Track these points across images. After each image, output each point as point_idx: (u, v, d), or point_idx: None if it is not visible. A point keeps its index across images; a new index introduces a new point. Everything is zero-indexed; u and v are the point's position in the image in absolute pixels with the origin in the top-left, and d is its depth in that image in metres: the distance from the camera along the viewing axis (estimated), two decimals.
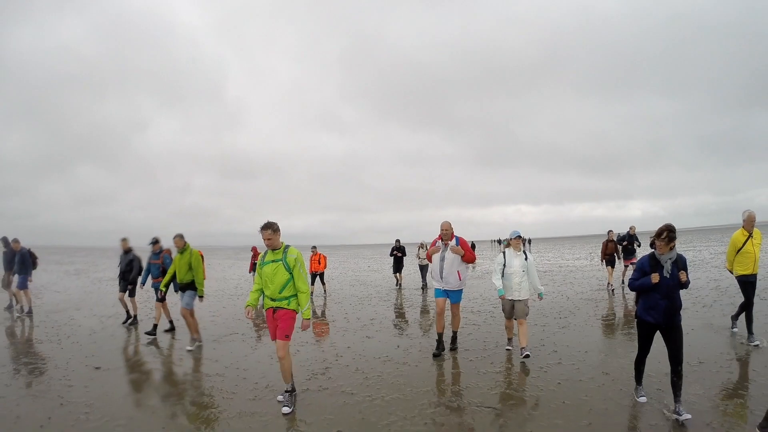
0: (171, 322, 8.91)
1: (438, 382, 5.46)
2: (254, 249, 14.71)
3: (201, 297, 7.71)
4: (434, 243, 6.84)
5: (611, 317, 8.95)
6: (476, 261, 31.17)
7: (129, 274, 9.50)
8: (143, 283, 9.13)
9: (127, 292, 9.55)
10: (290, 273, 4.81)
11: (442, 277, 6.62)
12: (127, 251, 9.66)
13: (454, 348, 6.87)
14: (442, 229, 6.65)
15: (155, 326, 8.46)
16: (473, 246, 45.81)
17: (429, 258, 6.94)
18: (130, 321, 9.53)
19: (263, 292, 4.97)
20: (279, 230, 4.87)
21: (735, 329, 7.03)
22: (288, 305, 4.82)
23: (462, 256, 6.56)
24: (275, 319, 4.87)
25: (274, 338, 4.93)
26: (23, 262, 10.97)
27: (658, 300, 4.25)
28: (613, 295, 11.88)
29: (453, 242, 6.62)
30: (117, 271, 9.76)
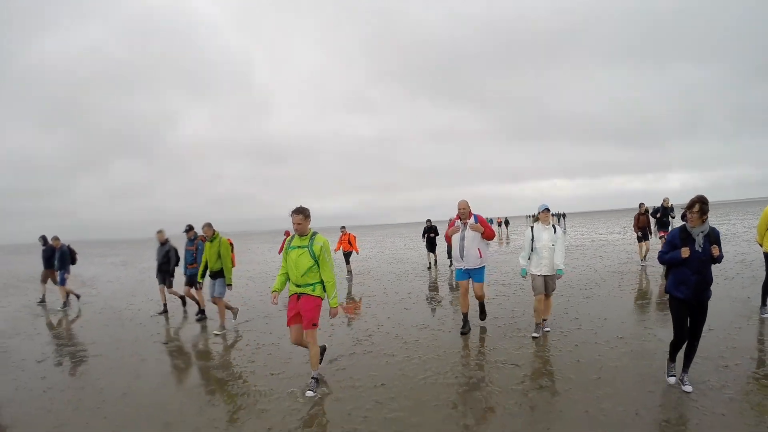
0: (203, 310, 9.06)
1: (469, 345, 6.20)
2: (287, 233, 15.30)
3: (229, 285, 7.82)
4: (452, 223, 6.88)
5: (634, 289, 9.40)
6: (510, 237, 31.32)
7: (167, 265, 9.68)
8: (184, 273, 9.26)
9: (166, 283, 9.73)
10: (315, 261, 4.81)
11: (462, 257, 6.61)
12: (164, 243, 9.79)
13: (483, 318, 7.11)
14: (459, 209, 6.61)
15: (203, 310, 8.97)
16: (507, 222, 46.11)
17: (448, 239, 6.94)
18: (160, 311, 9.72)
19: (288, 276, 5.01)
20: (309, 217, 4.87)
21: (765, 315, 6.59)
22: (313, 291, 4.84)
23: (482, 234, 6.54)
24: (298, 305, 4.89)
25: (290, 324, 4.95)
26: (62, 258, 11.42)
27: (689, 275, 4.13)
28: (644, 270, 12.02)
29: (471, 220, 6.60)
30: (156, 264, 9.94)
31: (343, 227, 15.45)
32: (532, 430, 3.75)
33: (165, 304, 9.85)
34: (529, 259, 6.47)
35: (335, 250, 14.97)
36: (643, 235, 12.91)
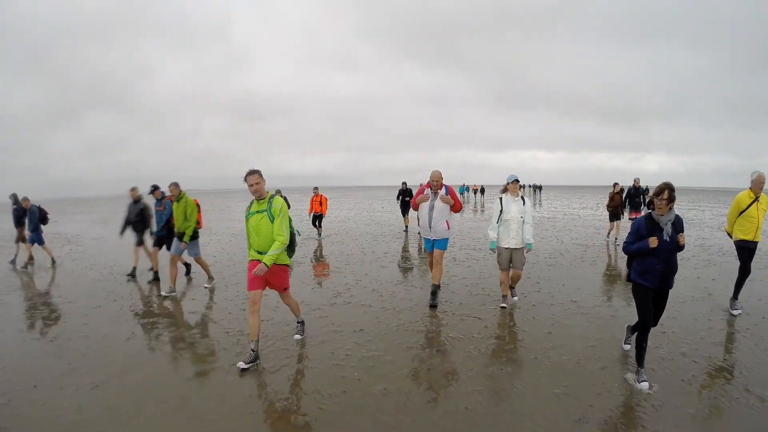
0: (155, 272, 8.90)
1: (438, 300, 6.77)
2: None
3: (185, 243, 7.71)
4: (421, 191, 6.69)
5: (595, 262, 10.16)
6: (485, 206, 31.83)
7: (141, 224, 9.32)
8: (152, 232, 9.00)
9: (142, 244, 9.43)
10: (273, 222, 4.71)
11: (430, 227, 6.54)
12: (137, 201, 9.36)
13: (434, 305, 6.57)
14: (432, 179, 6.47)
15: (156, 272, 8.86)
16: (483, 190, 46.66)
17: (415, 206, 6.80)
18: (130, 273, 9.38)
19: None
20: (264, 178, 4.78)
21: (736, 311, 6.16)
22: (277, 260, 4.76)
23: (451, 206, 6.49)
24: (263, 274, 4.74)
25: (251, 289, 4.70)
26: (32, 218, 11.31)
27: (655, 264, 4.06)
28: (608, 246, 12.60)
29: (442, 192, 6.47)
30: (123, 221, 9.51)
31: (316, 188, 15.33)
32: (489, 370, 4.39)
33: (135, 267, 9.44)
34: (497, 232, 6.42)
35: (309, 213, 15.15)
36: (615, 214, 13.17)
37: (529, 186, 69.49)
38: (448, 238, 6.68)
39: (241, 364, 4.58)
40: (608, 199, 13.45)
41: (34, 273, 10.35)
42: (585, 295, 7.14)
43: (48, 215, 11.88)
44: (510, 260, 6.40)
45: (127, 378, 4.41)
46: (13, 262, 11.79)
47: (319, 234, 14.93)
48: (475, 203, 36.74)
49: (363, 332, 5.47)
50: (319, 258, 10.97)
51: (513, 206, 6.30)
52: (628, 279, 4.35)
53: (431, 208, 6.47)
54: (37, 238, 11.36)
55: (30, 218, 11.30)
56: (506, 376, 4.29)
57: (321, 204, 14.84)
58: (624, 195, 13.31)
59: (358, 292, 7.37)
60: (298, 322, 5.50)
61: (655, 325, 4.33)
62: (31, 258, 11.43)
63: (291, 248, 4.97)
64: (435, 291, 6.72)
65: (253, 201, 4.81)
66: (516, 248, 6.32)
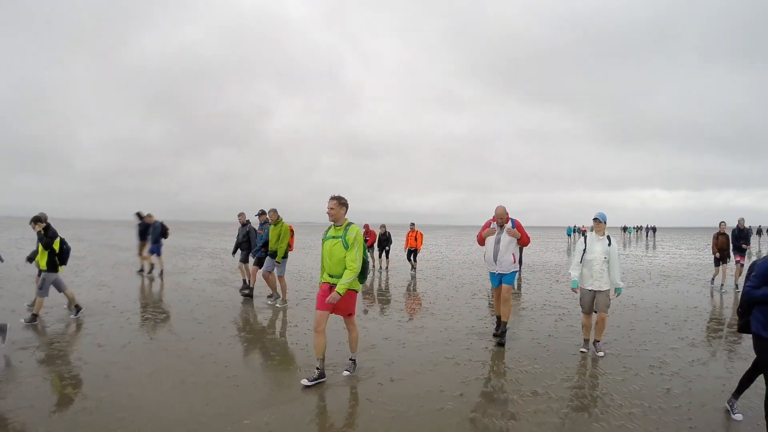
0: (246, 282, 9.79)
1: (504, 354, 6.33)
2: (366, 227, 15.81)
3: (278, 262, 8.80)
4: (487, 225, 6.67)
5: (697, 306, 9.01)
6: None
7: (247, 244, 10.29)
8: (254, 253, 9.79)
9: (248, 261, 10.32)
10: (348, 250, 4.76)
11: (496, 261, 6.48)
12: (244, 224, 10.44)
13: (501, 343, 6.37)
14: (496, 215, 6.49)
15: (251, 289, 9.74)
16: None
17: (481, 240, 6.74)
18: (244, 288, 10.07)
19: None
20: (346, 205, 4.90)
21: None
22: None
23: (518, 239, 6.45)
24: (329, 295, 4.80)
25: (319, 308, 4.81)
26: (154, 232, 12.71)
27: None
28: (720, 292, 11.41)
29: (509, 225, 6.46)
30: (235, 242, 10.68)
31: (412, 224, 15.92)
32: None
33: (245, 280, 10.41)
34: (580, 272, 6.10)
35: (404, 248, 15.83)
36: (722, 257, 11.85)
37: (644, 228, 63.63)
38: (515, 273, 6.55)
39: (305, 381, 4.70)
40: (713, 240, 12.01)
41: (152, 280, 11.99)
42: (683, 346, 6.42)
43: (168, 230, 13.29)
44: (593, 303, 6.02)
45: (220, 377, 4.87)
46: (141, 271, 13.38)
47: (413, 268, 15.31)
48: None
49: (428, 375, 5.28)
50: (409, 291, 11.16)
51: (597, 245, 5.98)
52: (742, 330, 3.88)
53: (497, 241, 6.47)
54: (156, 250, 12.81)
55: (153, 232, 12.74)
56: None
57: (416, 239, 15.29)
58: (733, 235, 11.91)
59: (431, 324, 7.22)
60: (350, 359, 5.29)
61: None
62: (152, 267, 12.99)
63: (363, 275, 4.99)
64: (503, 329, 6.55)
65: (330, 226, 4.94)
66: (600, 290, 5.94)
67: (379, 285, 12.45)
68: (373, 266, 15.66)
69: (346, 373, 5.14)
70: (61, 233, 7.70)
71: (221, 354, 5.89)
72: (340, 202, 4.85)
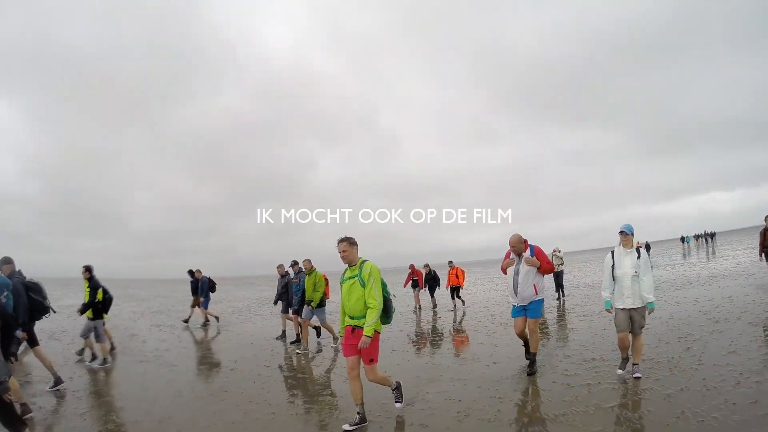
0: (297, 335, 9.87)
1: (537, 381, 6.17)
2: (411, 266, 16.12)
3: (312, 307, 9.08)
4: (507, 255, 6.41)
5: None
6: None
7: (286, 295, 10.47)
8: (294, 304, 10.04)
9: (288, 311, 10.50)
10: (365, 288, 4.62)
11: (517, 293, 6.21)
12: (283, 275, 10.65)
13: (531, 372, 6.21)
14: (510, 244, 6.26)
15: (297, 335, 9.92)
16: (648, 247, 41.97)
17: (504, 271, 6.53)
18: (282, 336, 10.61)
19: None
20: (356, 244, 4.81)
21: None
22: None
23: (538, 267, 6.12)
24: (353, 338, 4.72)
25: (347, 355, 4.78)
26: (203, 287, 13.40)
27: None
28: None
29: (527, 253, 6.17)
30: (276, 293, 10.98)
31: (450, 261, 15.91)
32: None
33: (284, 330, 10.83)
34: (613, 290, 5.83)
35: (446, 286, 15.61)
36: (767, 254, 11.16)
37: (702, 235, 59.65)
38: (540, 304, 6.31)
39: (346, 426, 4.64)
40: (760, 237, 11.36)
41: (207, 330, 12.97)
42: (738, 361, 6.01)
43: (216, 284, 14.11)
44: (629, 322, 5.65)
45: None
46: (186, 321, 14.28)
47: (463, 303, 15.36)
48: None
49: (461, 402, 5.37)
50: (458, 328, 11.16)
51: (626, 260, 5.66)
52: None
53: (516, 272, 6.22)
54: (204, 303, 13.58)
55: (201, 287, 13.47)
56: None
57: (457, 276, 15.36)
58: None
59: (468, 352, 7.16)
60: (393, 390, 5.10)
61: None
62: (207, 319, 13.77)
63: (386, 313, 4.82)
64: (532, 358, 6.38)
65: (347, 268, 4.84)
66: (634, 308, 5.60)
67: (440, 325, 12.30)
68: (416, 307, 15.59)
69: (398, 405, 5.12)
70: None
71: (266, 398, 6.11)
72: (350, 243, 4.78)
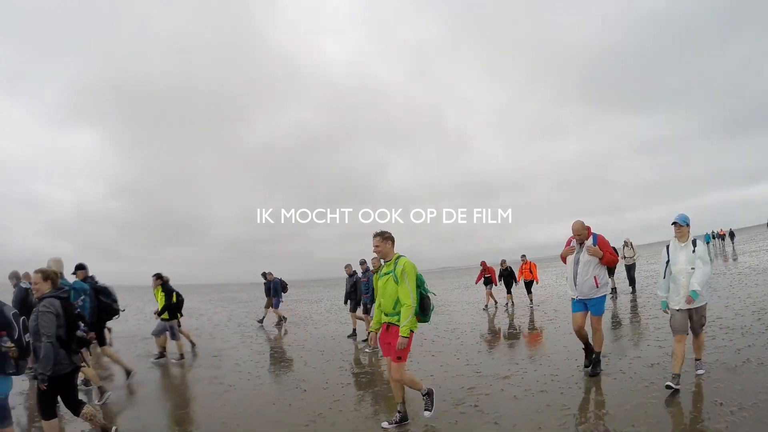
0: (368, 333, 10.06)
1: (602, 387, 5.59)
2: (483, 263, 15.66)
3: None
4: (568, 243, 5.97)
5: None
6: (736, 253, 26.45)
7: (354, 294, 10.59)
8: (358, 302, 10.23)
9: (357, 310, 10.60)
10: (399, 285, 4.45)
11: (576, 284, 5.77)
12: (351, 275, 10.79)
13: (595, 374, 5.76)
14: (573, 231, 5.79)
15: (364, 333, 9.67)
16: (732, 235, 39.35)
17: (563, 259, 6.08)
18: (351, 335, 10.58)
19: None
20: (392, 239, 4.63)
21: None
22: (400, 322, 4.45)
23: (600, 258, 5.64)
24: (389, 336, 4.59)
25: (386, 355, 4.68)
26: (275, 288, 13.94)
27: None
28: None
29: (589, 241, 5.73)
30: (345, 293, 11.05)
31: (524, 256, 15.41)
32: None
33: (354, 329, 10.79)
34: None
35: (517, 280, 15.15)
36: None
37: None
38: (603, 299, 5.82)
39: (385, 424, 4.60)
40: None
41: (281, 329, 13.26)
42: None
43: (288, 285, 14.73)
44: (686, 323, 5.06)
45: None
46: (260, 321, 14.58)
47: (531, 301, 14.77)
48: (724, 251, 31.06)
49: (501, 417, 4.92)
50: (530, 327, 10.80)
51: (681, 255, 5.10)
52: None
53: (575, 262, 5.78)
54: (276, 303, 14.14)
55: (273, 288, 14.06)
56: None
57: (531, 271, 14.99)
58: None
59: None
60: (423, 395, 4.75)
61: None
62: (280, 318, 14.12)
63: (424, 312, 4.60)
64: (596, 359, 5.90)
65: (384, 263, 4.72)
66: (692, 307, 5.00)
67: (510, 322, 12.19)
68: (486, 305, 15.20)
69: (426, 413, 4.74)
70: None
71: (312, 399, 6.06)
72: (384, 237, 4.59)
